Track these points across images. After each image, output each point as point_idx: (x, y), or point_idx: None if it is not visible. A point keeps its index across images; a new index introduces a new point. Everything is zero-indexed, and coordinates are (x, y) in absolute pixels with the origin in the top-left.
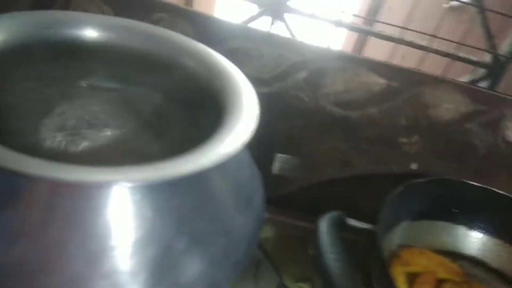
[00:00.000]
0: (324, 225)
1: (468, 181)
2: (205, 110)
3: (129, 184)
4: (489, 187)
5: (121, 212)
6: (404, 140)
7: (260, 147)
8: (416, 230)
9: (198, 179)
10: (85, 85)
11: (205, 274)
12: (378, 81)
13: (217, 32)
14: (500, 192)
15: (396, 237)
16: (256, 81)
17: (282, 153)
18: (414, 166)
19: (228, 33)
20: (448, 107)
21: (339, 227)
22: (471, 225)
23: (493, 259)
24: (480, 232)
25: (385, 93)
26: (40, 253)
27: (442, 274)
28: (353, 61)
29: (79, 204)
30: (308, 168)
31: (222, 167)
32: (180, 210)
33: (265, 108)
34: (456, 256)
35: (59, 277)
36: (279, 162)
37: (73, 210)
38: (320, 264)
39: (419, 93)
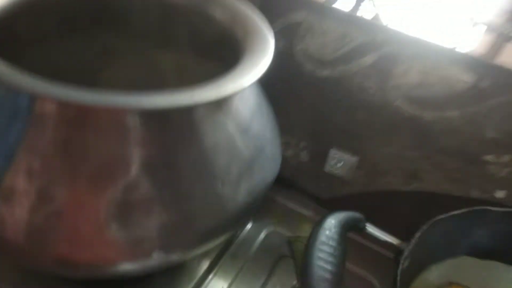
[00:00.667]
0: (328, 220)
1: None
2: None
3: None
4: None
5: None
6: (490, 158)
7: (314, 138)
8: (479, 269)
9: (186, 120)
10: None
11: (170, 228)
12: (464, 78)
13: (280, 3)
14: None
15: (446, 270)
16: (317, 62)
17: (338, 150)
18: (500, 194)
19: (291, 5)
20: None
21: (352, 229)
22: None
23: None
24: None
25: (471, 93)
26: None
27: None
28: (434, 50)
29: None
30: (366, 172)
31: (217, 115)
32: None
33: (323, 94)
34: None
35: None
36: (333, 158)
37: None
38: (303, 259)
39: None
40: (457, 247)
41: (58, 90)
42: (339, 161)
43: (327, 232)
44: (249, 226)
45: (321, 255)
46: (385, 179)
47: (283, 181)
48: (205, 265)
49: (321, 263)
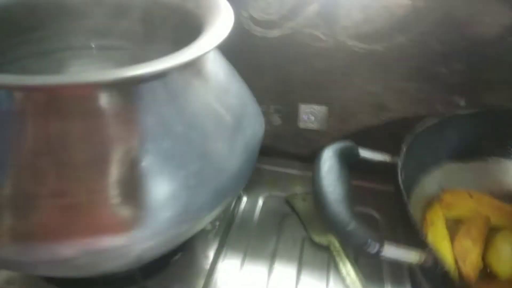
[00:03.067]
0: (326, 153)
1: None
2: None
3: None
4: None
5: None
6: (444, 69)
7: (281, 99)
8: (464, 171)
9: (165, 90)
10: (94, 46)
11: (175, 197)
12: (401, 2)
13: None
14: None
15: (436, 180)
16: (265, 24)
17: (307, 104)
18: (461, 102)
19: None
20: (487, 21)
21: (347, 158)
22: None
23: None
24: None
25: (411, 16)
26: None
27: (496, 219)
28: None
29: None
30: (338, 117)
31: (195, 82)
32: (144, 124)
33: (279, 53)
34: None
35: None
36: (304, 113)
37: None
38: (313, 190)
39: (450, 10)
40: (440, 156)
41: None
42: (311, 115)
43: (327, 163)
44: (244, 199)
45: (328, 182)
46: (356, 118)
47: (264, 149)
48: (213, 246)
49: (331, 189)
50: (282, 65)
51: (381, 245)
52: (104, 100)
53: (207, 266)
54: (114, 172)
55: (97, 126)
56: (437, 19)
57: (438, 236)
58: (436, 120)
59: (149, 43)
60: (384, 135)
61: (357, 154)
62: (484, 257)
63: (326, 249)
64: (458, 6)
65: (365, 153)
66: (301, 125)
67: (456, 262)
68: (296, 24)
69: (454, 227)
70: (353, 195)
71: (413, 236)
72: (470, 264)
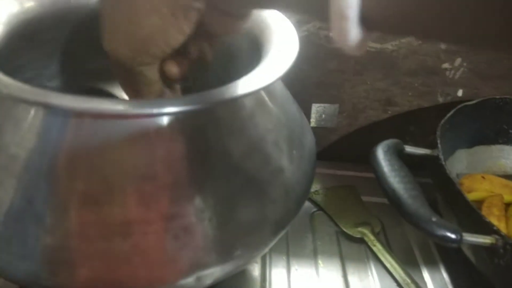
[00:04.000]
0: (380, 152)
1: None
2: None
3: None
4: None
5: (172, 148)
6: (447, 65)
7: (295, 98)
8: (473, 157)
9: (243, 115)
10: None
11: (266, 212)
12: None
13: None
14: None
15: (453, 166)
16: None
17: (319, 103)
18: (460, 93)
19: None
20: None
21: (397, 154)
22: None
23: None
24: None
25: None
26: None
27: (508, 197)
28: None
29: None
30: (347, 114)
31: (267, 106)
32: (232, 148)
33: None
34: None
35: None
36: (316, 112)
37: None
38: (385, 190)
39: (456, 13)
40: (454, 145)
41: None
42: (322, 113)
43: (387, 161)
44: None
45: (397, 179)
46: (364, 114)
47: None
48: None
49: (402, 186)
50: (297, 67)
51: (461, 235)
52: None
53: (258, 273)
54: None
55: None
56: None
57: None
58: (452, 112)
59: None
60: (391, 128)
61: (403, 149)
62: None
63: (361, 240)
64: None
65: (410, 149)
66: (313, 123)
67: None
68: (312, 27)
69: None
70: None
71: (477, 223)
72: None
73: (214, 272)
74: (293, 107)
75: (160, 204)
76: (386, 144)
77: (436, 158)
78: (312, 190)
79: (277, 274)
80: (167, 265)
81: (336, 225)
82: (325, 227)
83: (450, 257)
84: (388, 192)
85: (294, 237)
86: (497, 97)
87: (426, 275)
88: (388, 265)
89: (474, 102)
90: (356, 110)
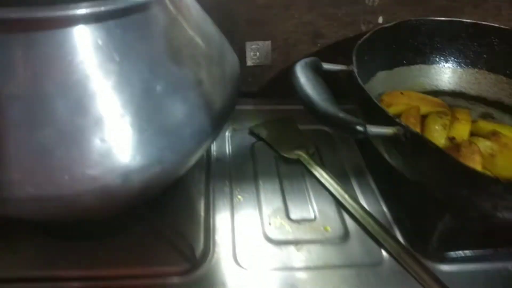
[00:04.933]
0: (298, 67)
1: (433, 18)
2: None
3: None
4: (455, 19)
5: (91, 55)
6: None
7: (228, 38)
8: (393, 77)
9: (156, 26)
10: None
11: (189, 117)
12: None
13: None
14: (467, 20)
15: (374, 86)
16: None
17: (252, 41)
18: (380, 20)
19: None
20: None
21: (315, 70)
22: (444, 62)
23: (472, 88)
24: (454, 66)
25: None
26: (23, 109)
27: (424, 108)
28: None
29: (49, 51)
30: (280, 50)
31: (180, 23)
32: (149, 54)
33: None
34: (437, 93)
35: (47, 130)
36: (250, 50)
37: (45, 59)
38: (300, 97)
39: None
40: (375, 66)
41: None
42: (257, 51)
43: (304, 74)
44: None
45: (310, 87)
46: (297, 48)
47: None
48: (202, 178)
49: (315, 91)
50: (226, 5)
51: (365, 126)
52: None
53: (202, 192)
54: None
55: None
56: None
57: None
58: (369, 35)
59: None
60: (322, 60)
61: (321, 66)
62: None
63: (297, 161)
64: None
65: (327, 66)
66: (248, 62)
67: None
68: None
69: None
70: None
71: (381, 117)
72: None
73: (142, 174)
74: (211, 29)
75: (90, 110)
76: (304, 61)
77: (351, 71)
78: (253, 124)
79: (220, 193)
80: (97, 165)
81: (275, 151)
82: (265, 154)
83: (374, 166)
84: (303, 98)
85: (236, 164)
86: (413, 18)
87: (355, 184)
88: (322, 180)
89: (391, 24)
90: (287, 46)
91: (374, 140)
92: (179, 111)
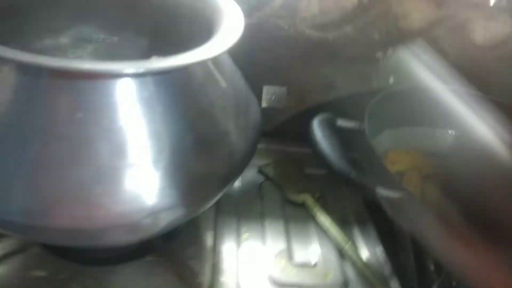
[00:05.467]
0: (315, 123)
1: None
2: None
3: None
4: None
5: (133, 106)
6: (380, 54)
7: (249, 80)
8: (400, 136)
9: (195, 82)
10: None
11: (215, 166)
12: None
13: None
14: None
15: (381, 144)
16: None
17: (269, 85)
18: (391, 80)
19: None
20: (416, 16)
21: (330, 126)
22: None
23: None
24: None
25: (357, 10)
26: (68, 148)
27: (426, 169)
28: None
29: (97, 99)
30: (295, 97)
31: (215, 76)
32: (186, 107)
33: (247, 40)
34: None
35: (88, 169)
36: (267, 93)
37: (93, 105)
38: (316, 152)
39: (388, 6)
40: (383, 124)
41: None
42: (273, 94)
43: (320, 131)
44: None
45: (326, 142)
46: (310, 97)
47: None
48: (211, 215)
49: (330, 147)
50: (249, 50)
51: (374, 188)
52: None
53: (211, 227)
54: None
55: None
56: (377, 13)
57: None
58: (382, 95)
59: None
60: (333, 110)
61: (335, 123)
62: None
63: (303, 205)
64: (395, 4)
65: (341, 122)
66: (264, 104)
67: None
68: (263, 14)
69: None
70: None
71: (388, 180)
72: None
73: (168, 214)
74: (240, 82)
75: (127, 154)
76: (321, 117)
77: (362, 130)
78: (262, 163)
79: (227, 231)
80: (129, 203)
81: (282, 193)
82: (272, 194)
83: (376, 216)
84: (319, 153)
85: (244, 203)
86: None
87: (357, 232)
88: (326, 225)
89: (400, 88)
90: (302, 93)
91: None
92: (207, 160)
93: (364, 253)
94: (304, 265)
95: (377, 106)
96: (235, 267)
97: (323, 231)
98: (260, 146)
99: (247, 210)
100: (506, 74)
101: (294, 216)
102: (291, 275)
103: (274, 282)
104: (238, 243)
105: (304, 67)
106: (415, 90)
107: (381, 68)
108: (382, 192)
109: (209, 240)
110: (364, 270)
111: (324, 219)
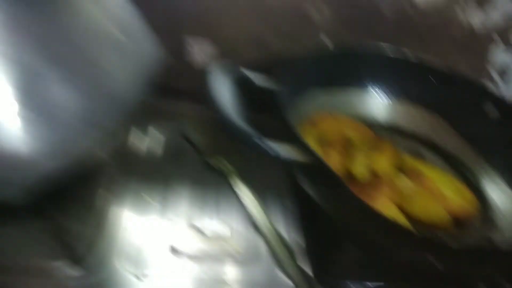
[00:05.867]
0: (216, 72)
1: (377, 46)
2: None
3: None
4: (398, 50)
5: None
6: (312, 10)
7: (169, 28)
8: (328, 98)
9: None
10: None
11: (75, 103)
12: None
13: None
14: (411, 55)
15: (306, 104)
16: None
17: (194, 36)
18: (324, 38)
19: None
20: None
21: (245, 84)
22: (383, 93)
23: (408, 125)
24: (392, 98)
25: None
26: None
27: (353, 135)
28: None
29: None
30: (224, 54)
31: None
32: (38, 32)
33: None
34: (373, 124)
35: None
36: (192, 46)
37: None
38: (214, 107)
39: None
40: (309, 86)
41: None
42: (198, 49)
43: (221, 86)
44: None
45: (229, 103)
46: (240, 56)
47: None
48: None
49: (229, 105)
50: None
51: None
52: None
53: (106, 192)
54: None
55: None
56: None
57: None
58: (304, 55)
59: None
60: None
61: (242, 76)
62: (347, 165)
63: (221, 172)
64: None
65: (250, 75)
66: (188, 59)
67: None
68: None
69: (322, 142)
70: None
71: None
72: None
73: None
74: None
75: None
76: (224, 68)
77: (278, 90)
78: (181, 123)
79: (128, 198)
80: None
81: (201, 156)
82: (189, 157)
83: (294, 190)
84: (217, 109)
85: (154, 164)
86: (356, 44)
87: (273, 205)
88: (242, 194)
89: (332, 46)
90: (230, 49)
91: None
92: (65, 94)
93: (280, 227)
94: (213, 236)
95: (303, 65)
96: (134, 235)
97: (240, 201)
98: (182, 105)
99: (155, 172)
100: (444, 38)
101: (210, 182)
102: (196, 245)
103: (177, 253)
104: (138, 208)
105: (232, 21)
106: (348, 50)
107: (314, 25)
108: (276, 146)
109: (101, 202)
110: (275, 246)
111: (242, 188)
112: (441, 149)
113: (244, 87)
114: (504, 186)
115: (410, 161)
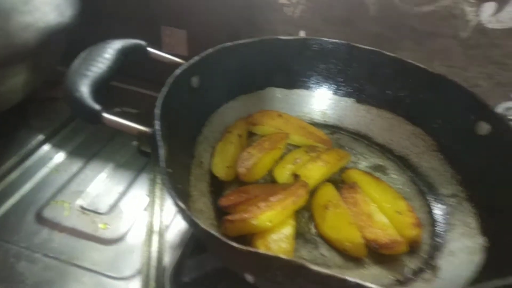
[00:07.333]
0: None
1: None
2: None
3: None
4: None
5: None
6: (284, 0)
7: (143, 15)
8: (289, 98)
9: None
10: None
11: None
12: None
13: None
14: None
15: (234, 109)
16: None
17: (168, 26)
18: (302, 34)
19: None
20: None
21: (131, 52)
22: (347, 95)
23: (381, 135)
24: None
25: None
26: None
27: (297, 137)
28: None
29: None
30: (196, 43)
31: None
32: None
33: None
34: (339, 129)
35: None
36: (166, 35)
37: None
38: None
39: None
40: (236, 88)
41: None
42: (171, 37)
43: (103, 53)
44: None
45: (87, 65)
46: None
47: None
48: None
49: (83, 70)
50: None
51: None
52: None
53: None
54: None
55: None
56: None
57: (227, 143)
58: (220, 47)
59: None
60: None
61: (145, 52)
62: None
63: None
64: None
65: (156, 52)
66: (163, 48)
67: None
68: None
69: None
70: None
71: None
72: (245, 166)
73: None
74: None
75: None
76: (124, 42)
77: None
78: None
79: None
80: None
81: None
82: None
83: None
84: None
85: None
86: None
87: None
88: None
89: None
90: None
91: None
92: None
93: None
94: (86, 211)
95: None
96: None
97: (145, 182)
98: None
99: (85, 146)
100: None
101: (130, 163)
102: (65, 216)
103: (41, 220)
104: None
105: (207, 10)
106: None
107: (288, 18)
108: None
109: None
110: (149, 233)
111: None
112: (413, 166)
113: None
114: (469, 226)
115: (356, 176)
